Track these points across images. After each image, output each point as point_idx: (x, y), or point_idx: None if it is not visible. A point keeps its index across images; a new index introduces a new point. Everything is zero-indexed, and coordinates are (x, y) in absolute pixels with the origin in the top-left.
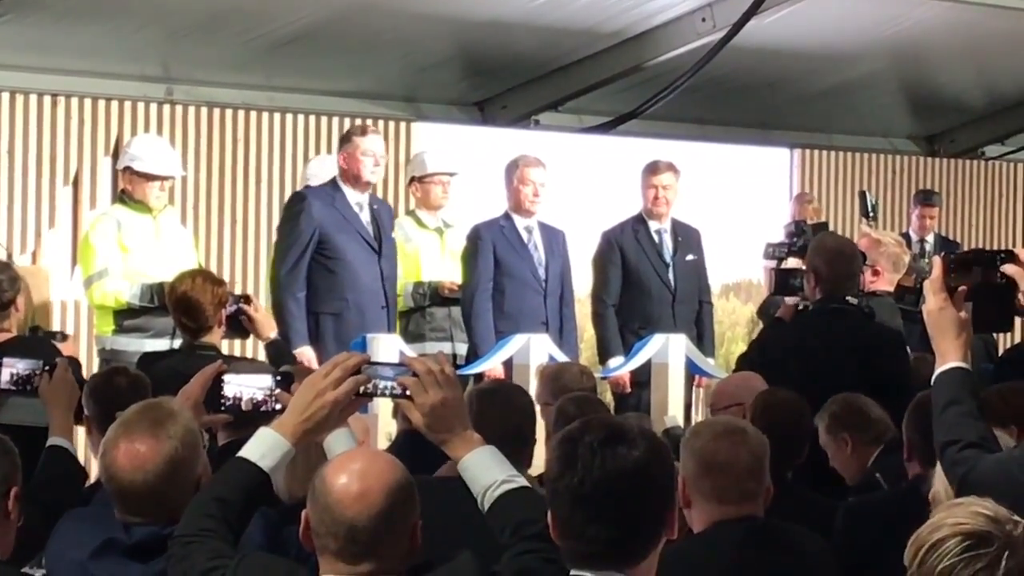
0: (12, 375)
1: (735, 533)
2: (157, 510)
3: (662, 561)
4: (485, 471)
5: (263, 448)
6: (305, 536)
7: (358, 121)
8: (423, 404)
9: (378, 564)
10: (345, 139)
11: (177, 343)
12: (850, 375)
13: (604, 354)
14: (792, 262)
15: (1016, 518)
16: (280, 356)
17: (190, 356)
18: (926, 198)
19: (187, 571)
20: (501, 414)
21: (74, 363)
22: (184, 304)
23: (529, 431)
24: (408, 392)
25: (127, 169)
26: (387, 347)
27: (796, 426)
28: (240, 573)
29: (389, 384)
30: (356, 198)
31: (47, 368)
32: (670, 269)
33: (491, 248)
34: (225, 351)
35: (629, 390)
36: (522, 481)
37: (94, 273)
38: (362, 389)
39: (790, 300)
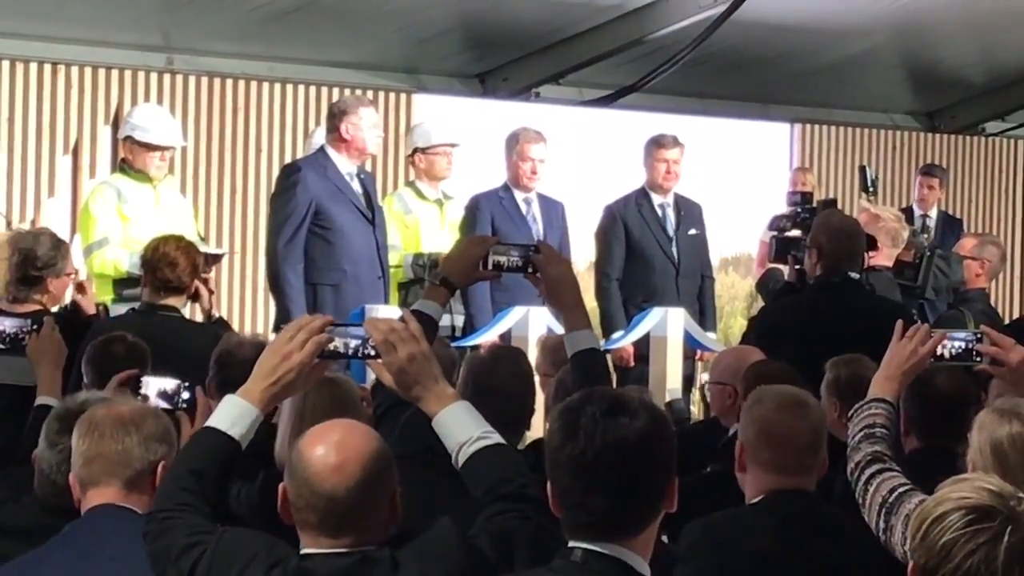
0: (0, 333)
1: (784, 505)
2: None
3: (712, 522)
4: (460, 427)
5: (232, 416)
6: (284, 510)
7: (357, 92)
8: (391, 363)
9: (359, 536)
10: (347, 110)
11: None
12: (853, 348)
13: (607, 327)
14: (794, 232)
15: (1021, 494)
16: None
17: (151, 316)
18: (925, 169)
19: (167, 547)
20: (502, 382)
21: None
22: (167, 259)
23: (530, 397)
24: (374, 352)
25: (128, 138)
26: (387, 318)
27: None
28: (221, 548)
29: (355, 344)
30: (347, 167)
31: (35, 327)
32: (673, 243)
33: (489, 219)
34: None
35: (633, 363)
36: (497, 438)
37: (94, 242)
38: (329, 350)
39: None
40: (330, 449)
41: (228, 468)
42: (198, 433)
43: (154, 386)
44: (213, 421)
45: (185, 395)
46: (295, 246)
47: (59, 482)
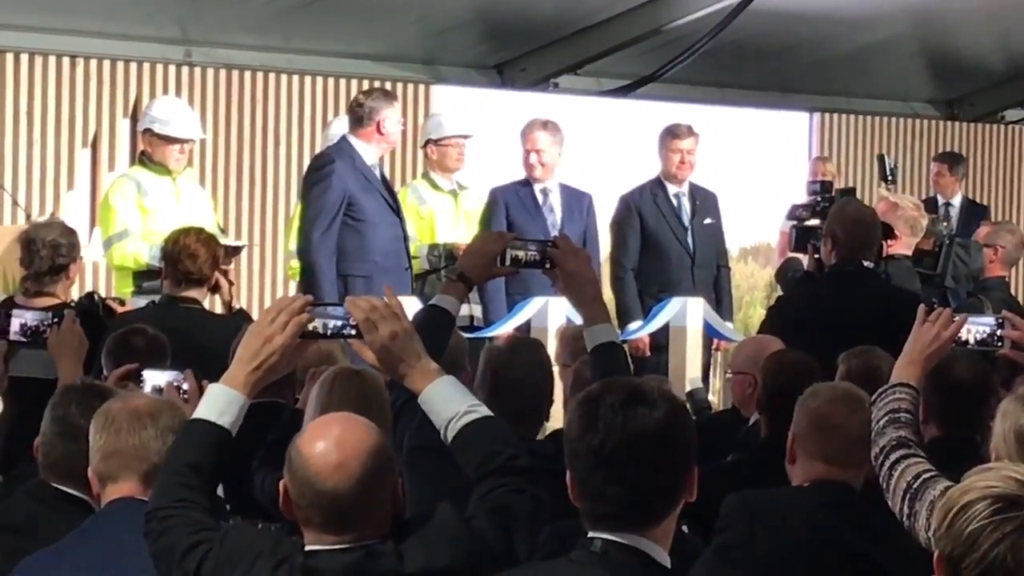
0: (22, 326)
1: (826, 494)
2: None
3: (753, 496)
4: (446, 403)
5: (219, 406)
6: (286, 507)
7: (376, 83)
8: (373, 342)
9: (363, 531)
10: (382, 106)
11: None
12: (866, 337)
13: (623, 318)
14: (814, 222)
15: None
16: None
17: (172, 308)
18: (939, 157)
19: (170, 547)
20: (520, 373)
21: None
22: (187, 251)
23: (549, 388)
24: (355, 332)
25: (147, 131)
26: (406, 309)
27: (806, 387)
28: (226, 547)
29: (336, 324)
30: (371, 159)
31: (56, 320)
32: (689, 232)
33: (504, 211)
34: None
35: (648, 354)
36: (485, 411)
37: (114, 234)
38: (309, 330)
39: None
40: (330, 447)
41: (222, 459)
42: (188, 426)
43: (150, 382)
44: (201, 412)
45: (184, 387)
46: (330, 237)
47: (53, 455)
